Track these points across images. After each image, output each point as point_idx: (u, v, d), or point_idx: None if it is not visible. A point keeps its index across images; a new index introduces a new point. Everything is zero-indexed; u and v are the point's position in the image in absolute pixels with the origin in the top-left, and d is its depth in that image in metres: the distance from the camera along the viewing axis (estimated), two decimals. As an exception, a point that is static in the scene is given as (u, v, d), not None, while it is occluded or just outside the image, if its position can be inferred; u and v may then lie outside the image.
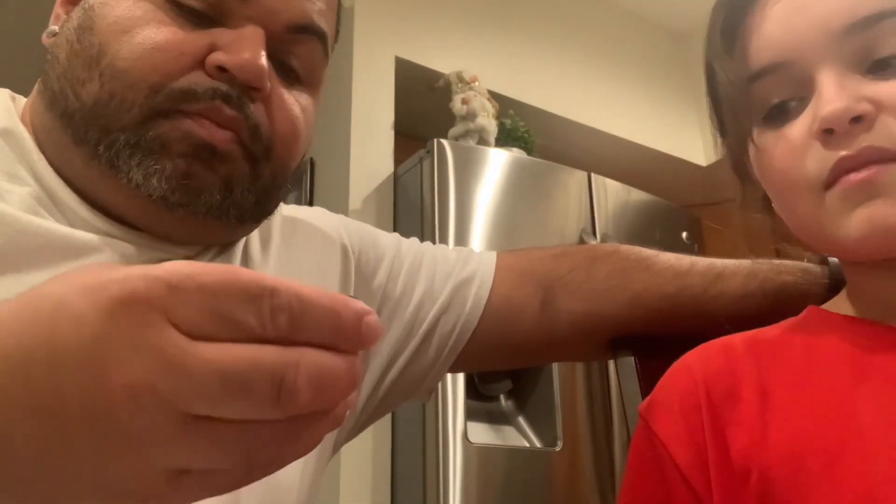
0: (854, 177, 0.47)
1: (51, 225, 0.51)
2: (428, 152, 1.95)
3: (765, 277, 0.69)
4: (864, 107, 0.47)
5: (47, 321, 0.28)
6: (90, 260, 0.52)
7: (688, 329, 0.71)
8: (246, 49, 0.53)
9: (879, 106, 0.47)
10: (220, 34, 0.53)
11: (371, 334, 0.29)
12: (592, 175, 2.15)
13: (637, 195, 2.24)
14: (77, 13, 0.56)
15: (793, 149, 0.50)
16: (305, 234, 0.69)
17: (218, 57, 0.52)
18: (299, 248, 0.67)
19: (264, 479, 0.47)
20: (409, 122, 2.28)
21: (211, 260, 0.60)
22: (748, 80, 0.52)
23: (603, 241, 2.03)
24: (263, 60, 0.53)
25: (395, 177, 2.08)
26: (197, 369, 0.27)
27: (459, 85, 2.16)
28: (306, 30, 0.57)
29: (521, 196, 1.99)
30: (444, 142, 1.95)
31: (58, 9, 0.59)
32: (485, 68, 2.28)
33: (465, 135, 2.10)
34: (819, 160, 0.48)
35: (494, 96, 2.21)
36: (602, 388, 1.91)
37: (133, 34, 0.52)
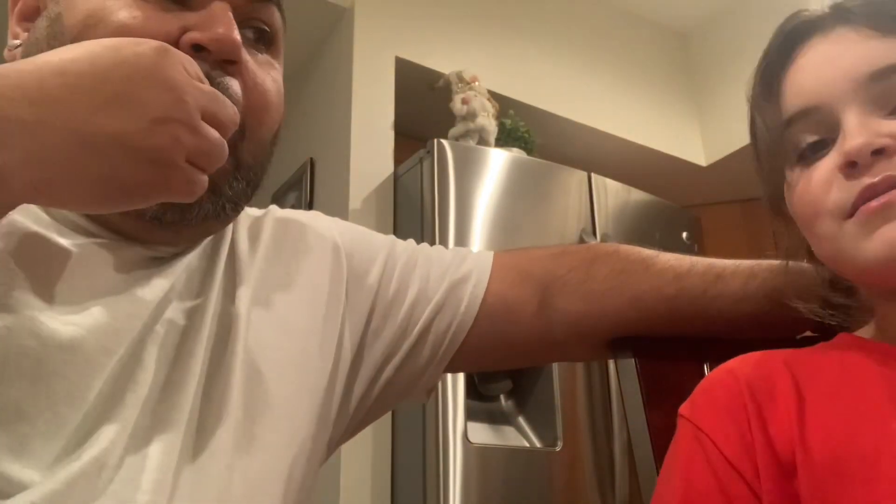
0: (873, 203, 0.51)
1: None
2: (428, 152, 1.95)
3: (765, 278, 0.69)
4: (885, 140, 0.51)
5: (112, 54, 0.43)
6: (75, 266, 0.53)
7: (688, 330, 0.71)
8: (218, 24, 0.55)
9: None
10: (188, 16, 0.55)
11: None
12: (592, 175, 2.15)
13: (637, 195, 2.24)
14: (42, 23, 0.57)
15: (819, 182, 0.55)
16: (297, 236, 0.69)
17: (193, 36, 0.54)
18: (289, 251, 0.67)
19: (252, 470, 0.55)
20: (409, 122, 2.28)
21: (198, 259, 0.61)
22: (783, 125, 0.58)
23: (603, 241, 2.03)
24: (237, 33, 0.55)
25: (395, 177, 2.08)
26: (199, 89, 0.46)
27: (459, 85, 2.16)
28: None
29: (521, 196, 1.99)
30: (444, 142, 1.95)
31: (15, 27, 0.60)
32: (485, 68, 2.28)
33: (465, 135, 2.10)
34: (843, 190, 0.53)
35: (494, 96, 2.21)
36: (602, 388, 1.91)
37: (105, 25, 0.53)
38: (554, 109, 2.54)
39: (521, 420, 1.86)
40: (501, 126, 2.19)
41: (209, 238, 0.63)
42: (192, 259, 0.60)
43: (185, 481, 0.51)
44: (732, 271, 0.70)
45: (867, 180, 0.51)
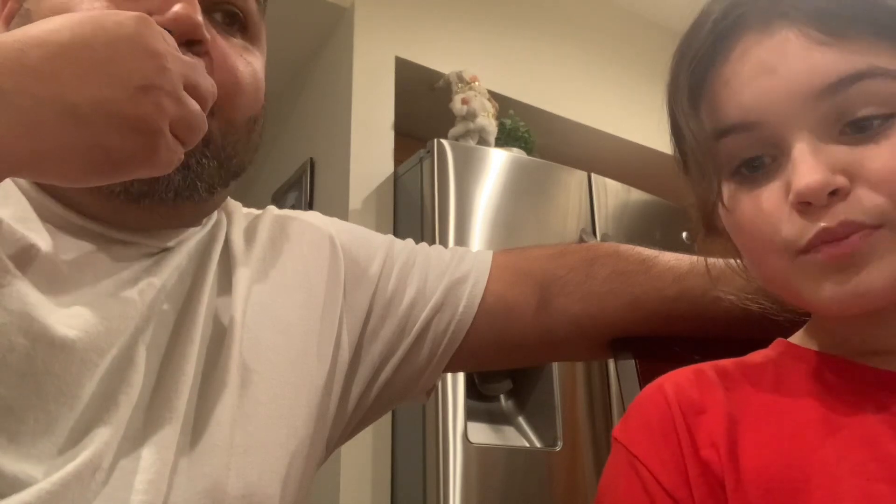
0: (834, 250, 0.46)
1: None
2: (428, 152, 1.95)
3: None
4: (840, 181, 0.46)
5: (93, 23, 0.43)
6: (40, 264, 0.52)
7: (688, 331, 0.71)
8: (176, 3, 0.54)
9: (854, 177, 0.46)
10: (150, 3, 0.54)
11: None
12: (592, 175, 2.15)
13: (637, 195, 2.24)
14: (16, 22, 0.57)
15: (765, 214, 0.49)
16: (294, 235, 0.69)
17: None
18: (286, 250, 0.67)
19: (249, 469, 0.56)
20: (409, 122, 2.28)
21: (188, 260, 0.60)
22: (715, 136, 0.51)
23: (603, 241, 2.03)
24: (197, 12, 0.54)
25: (395, 177, 2.08)
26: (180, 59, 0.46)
27: (459, 85, 2.16)
28: None
29: (521, 196, 1.99)
30: (444, 142, 1.95)
31: (2, 29, 0.60)
32: (485, 68, 2.28)
33: (465, 135, 2.10)
34: (796, 228, 0.47)
35: (494, 96, 2.21)
36: (602, 388, 1.91)
37: None
38: (554, 109, 2.54)
39: (521, 420, 1.86)
40: (501, 126, 2.19)
41: (199, 237, 0.62)
42: (182, 259, 0.59)
43: (181, 481, 0.51)
44: (734, 271, 0.70)
45: (824, 224, 0.46)
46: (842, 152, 0.46)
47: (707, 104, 0.52)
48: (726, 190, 0.52)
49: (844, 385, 0.50)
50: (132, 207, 0.56)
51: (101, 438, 0.49)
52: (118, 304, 0.53)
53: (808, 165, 0.46)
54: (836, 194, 0.46)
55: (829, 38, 0.47)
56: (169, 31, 0.52)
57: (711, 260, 0.64)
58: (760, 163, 0.50)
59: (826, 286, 0.47)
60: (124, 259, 0.56)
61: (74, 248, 0.54)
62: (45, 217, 0.55)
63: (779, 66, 0.48)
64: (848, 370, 0.51)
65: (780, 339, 0.57)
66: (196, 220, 0.62)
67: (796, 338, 0.57)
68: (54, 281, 0.52)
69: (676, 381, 0.55)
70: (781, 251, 0.48)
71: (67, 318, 0.50)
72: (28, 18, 0.55)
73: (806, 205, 0.46)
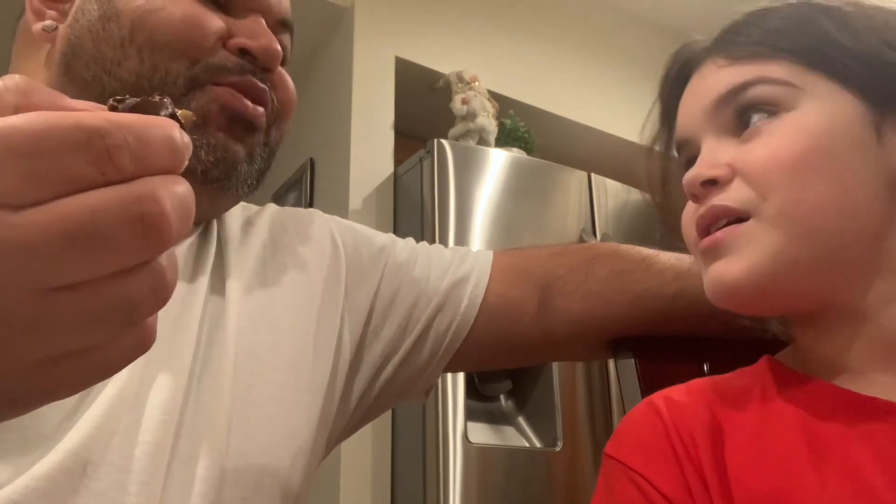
0: (704, 237, 0.53)
1: None
2: (428, 152, 1.95)
3: None
4: (715, 171, 0.52)
5: None
6: None
7: (688, 330, 0.71)
8: (262, 36, 0.60)
9: (736, 170, 0.52)
10: (231, 21, 0.60)
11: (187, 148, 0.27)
12: (592, 175, 2.15)
13: (637, 195, 2.24)
14: (90, 5, 0.59)
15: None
16: (294, 233, 0.69)
17: (241, 41, 0.59)
18: (286, 248, 0.67)
19: (249, 472, 0.48)
20: (409, 122, 2.28)
21: (184, 254, 0.59)
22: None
23: (603, 241, 2.03)
24: (279, 46, 0.61)
25: (395, 177, 2.08)
26: (31, 239, 0.23)
27: (459, 85, 2.16)
28: (286, 24, 0.67)
29: (521, 196, 1.99)
30: (444, 142, 1.95)
31: (37, 4, 0.61)
32: (485, 68, 2.28)
33: (465, 135, 2.10)
34: (690, 222, 0.55)
35: (494, 96, 2.21)
36: (602, 388, 1.91)
37: (167, 12, 0.57)
38: (554, 109, 2.54)
39: (521, 420, 1.86)
40: (501, 126, 2.19)
41: (194, 236, 0.61)
42: (179, 258, 0.58)
43: (176, 484, 0.50)
44: None
45: (700, 211, 0.53)
46: (732, 149, 0.54)
47: (669, 133, 0.63)
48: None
49: (830, 412, 0.51)
50: (197, 189, 0.51)
51: (84, 439, 0.47)
52: None
53: (700, 162, 0.54)
54: (713, 184, 0.53)
55: (729, 61, 0.56)
56: (252, 56, 0.59)
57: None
58: None
59: (707, 275, 0.53)
60: None
61: None
62: None
63: (697, 89, 0.58)
64: (834, 396, 0.51)
65: (767, 357, 0.58)
66: (212, 216, 0.64)
67: (783, 355, 0.58)
68: None
69: (667, 398, 0.56)
70: (693, 249, 0.56)
71: None
72: (111, 4, 0.57)
73: (695, 198, 0.54)
